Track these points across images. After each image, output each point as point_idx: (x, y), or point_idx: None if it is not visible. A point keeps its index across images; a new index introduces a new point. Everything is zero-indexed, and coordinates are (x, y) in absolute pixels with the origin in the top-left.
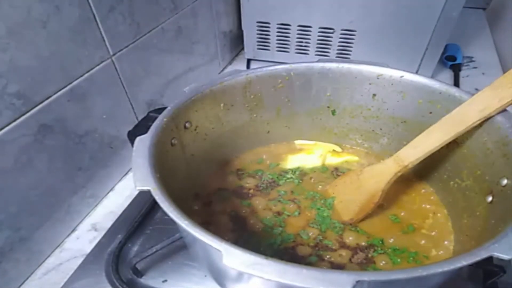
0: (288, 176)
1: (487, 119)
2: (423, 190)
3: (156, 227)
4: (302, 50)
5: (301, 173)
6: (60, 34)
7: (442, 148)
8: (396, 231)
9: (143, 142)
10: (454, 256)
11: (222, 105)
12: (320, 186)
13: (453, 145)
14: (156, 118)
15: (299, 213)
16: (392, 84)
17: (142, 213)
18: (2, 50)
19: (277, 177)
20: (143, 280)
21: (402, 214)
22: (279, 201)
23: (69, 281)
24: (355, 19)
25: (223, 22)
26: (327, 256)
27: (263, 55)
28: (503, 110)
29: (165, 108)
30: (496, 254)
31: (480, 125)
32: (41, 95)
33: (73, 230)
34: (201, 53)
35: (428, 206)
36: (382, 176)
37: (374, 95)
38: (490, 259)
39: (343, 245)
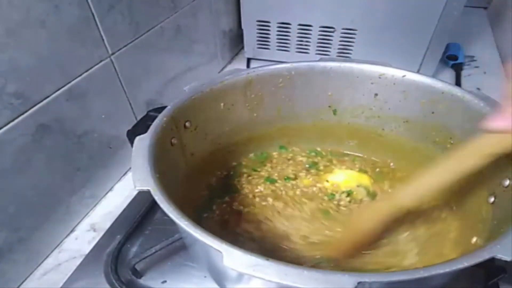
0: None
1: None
2: None
3: (155, 227)
4: (302, 49)
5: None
6: (59, 34)
7: (442, 149)
8: None
9: (142, 141)
10: (455, 257)
11: (222, 104)
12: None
13: (455, 146)
14: (155, 117)
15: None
16: (394, 84)
17: (141, 214)
18: (0, 50)
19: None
20: (142, 281)
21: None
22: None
23: (68, 282)
24: (356, 18)
25: (222, 21)
26: None
27: (263, 54)
28: None
29: (164, 107)
30: (498, 255)
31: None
32: (39, 94)
33: (72, 231)
34: (201, 52)
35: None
36: (377, 217)
37: (376, 94)
38: (491, 260)
39: None
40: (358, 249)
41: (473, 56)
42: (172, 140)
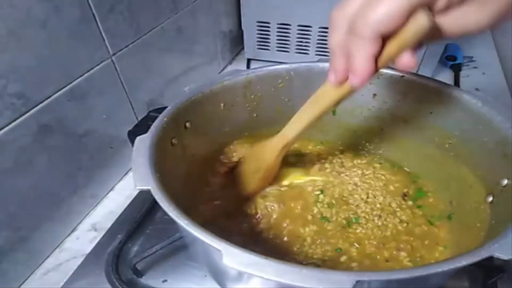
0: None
1: None
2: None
3: (156, 227)
4: (302, 50)
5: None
6: (60, 34)
7: (441, 149)
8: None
9: (143, 141)
10: (454, 256)
11: (222, 105)
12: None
13: (454, 146)
14: (156, 117)
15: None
16: (392, 84)
17: (142, 213)
18: (2, 50)
19: None
20: (143, 280)
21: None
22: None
23: (69, 281)
24: None
25: (223, 22)
26: None
27: (263, 55)
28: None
29: (165, 107)
30: (496, 254)
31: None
32: (41, 95)
33: (73, 230)
34: (201, 53)
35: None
36: (272, 152)
37: (375, 95)
38: (490, 259)
39: None
40: (264, 185)
41: (471, 57)
42: (173, 140)
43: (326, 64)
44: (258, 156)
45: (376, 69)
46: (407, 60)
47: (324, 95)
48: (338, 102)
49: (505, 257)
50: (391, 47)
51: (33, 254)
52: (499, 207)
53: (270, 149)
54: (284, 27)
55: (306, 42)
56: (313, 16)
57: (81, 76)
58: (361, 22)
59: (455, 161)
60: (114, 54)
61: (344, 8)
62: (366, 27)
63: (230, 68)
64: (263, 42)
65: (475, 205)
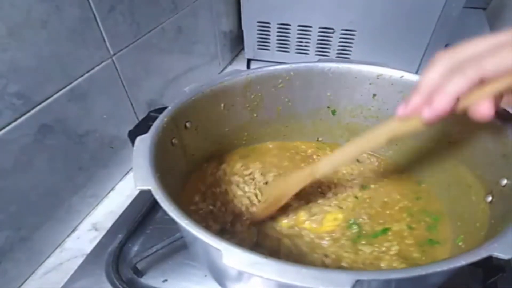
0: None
1: None
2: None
3: (156, 226)
4: (302, 50)
5: None
6: (60, 34)
7: (441, 148)
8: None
9: (143, 141)
10: (453, 256)
11: (222, 105)
12: None
13: (453, 145)
14: (156, 118)
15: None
16: (392, 84)
17: (142, 213)
18: (2, 50)
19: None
20: (143, 280)
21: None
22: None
23: (70, 281)
24: (355, 19)
25: (223, 22)
26: None
27: (263, 55)
28: None
29: (165, 108)
30: (496, 254)
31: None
32: (41, 95)
33: (73, 230)
34: (201, 53)
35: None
36: (297, 183)
37: (374, 95)
38: (490, 258)
39: None
40: (273, 209)
41: None
42: (173, 140)
43: (326, 64)
44: (283, 187)
45: (453, 109)
46: (485, 108)
47: (378, 132)
48: (390, 139)
49: (504, 256)
50: (478, 92)
51: (34, 254)
52: (498, 206)
53: (297, 182)
54: (284, 27)
55: (306, 42)
56: (313, 16)
57: (82, 76)
58: (473, 63)
59: (454, 161)
60: (114, 54)
61: (456, 52)
62: (475, 68)
63: (230, 68)
64: (263, 42)
65: (474, 205)
